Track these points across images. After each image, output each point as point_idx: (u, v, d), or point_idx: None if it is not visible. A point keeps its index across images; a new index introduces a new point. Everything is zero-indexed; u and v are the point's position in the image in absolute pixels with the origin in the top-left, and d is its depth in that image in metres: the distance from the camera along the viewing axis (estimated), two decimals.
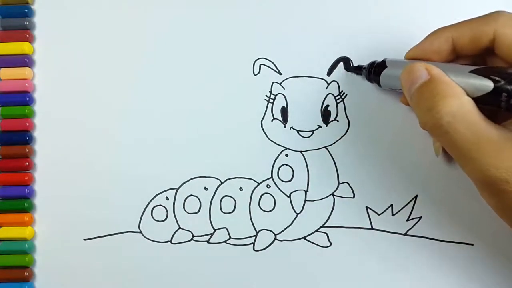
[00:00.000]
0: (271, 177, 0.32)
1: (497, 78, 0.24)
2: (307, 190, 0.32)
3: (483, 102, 0.24)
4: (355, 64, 0.32)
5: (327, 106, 0.32)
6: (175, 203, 0.33)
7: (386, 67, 0.29)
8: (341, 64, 0.32)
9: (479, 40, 0.26)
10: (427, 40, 0.28)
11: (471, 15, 0.27)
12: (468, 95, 0.25)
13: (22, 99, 0.34)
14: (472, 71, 0.25)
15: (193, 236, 0.33)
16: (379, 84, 0.30)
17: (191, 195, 0.33)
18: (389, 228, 0.32)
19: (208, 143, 0.33)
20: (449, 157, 0.31)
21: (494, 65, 0.27)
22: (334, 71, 0.32)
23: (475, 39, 0.26)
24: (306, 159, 0.32)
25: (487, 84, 0.24)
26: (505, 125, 0.25)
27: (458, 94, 0.24)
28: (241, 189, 0.33)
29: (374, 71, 0.30)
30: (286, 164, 0.32)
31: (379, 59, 0.30)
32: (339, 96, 0.32)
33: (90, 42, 0.34)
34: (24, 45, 0.34)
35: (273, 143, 0.33)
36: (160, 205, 0.33)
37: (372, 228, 0.32)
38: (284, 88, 0.33)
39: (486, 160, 0.23)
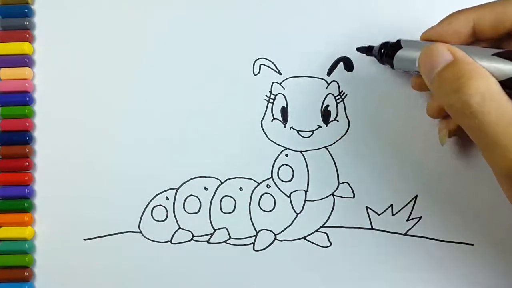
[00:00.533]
0: (271, 177, 0.32)
1: None
2: (307, 190, 0.32)
3: (507, 87, 0.24)
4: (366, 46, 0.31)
5: (327, 106, 0.32)
6: (175, 203, 0.33)
7: (401, 47, 0.28)
8: (341, 64, 0.32)
9: (501, 24, 0.25)
10: (445, 21, 0.27)
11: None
12: None
13: (22, 99, 0.34)
14: (495, 54, 0.24)
15: (193, 236, 0.33)
16: (392, 66, 0.29)
17: (191, 195, 0.33)
18: (389, 228, 0.32)
19: (208, 143, 0.33)
20: (457, 147, 0.31)
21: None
22: (334, 71, 0.32)
23: (497, 22, 0.25)
24: (306, 159, 0.32)
25: (511, 68, 0.23)
26: None
27: (486, 74, 0.23)
28: (241, 189, 0.33)
29: (387, 53, 0.29)
30: (286, 164, 0.32)
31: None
32: (339, 96, 0.32)
33: (90, 42, 0.34)
34: (24, 45, 0.34)
35: (273, 143, 0.33)
36: (160, 205, 0.33)
37: (372, 228, 0.32)
38: (284, 88, 0.33)
39: None
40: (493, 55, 0.24)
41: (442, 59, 0.25)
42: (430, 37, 0.27)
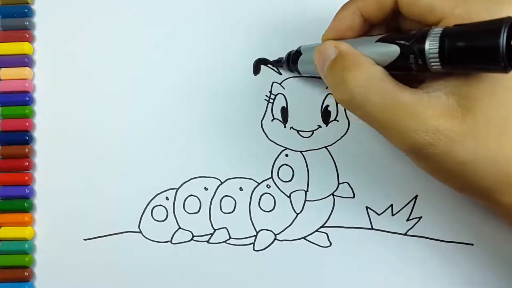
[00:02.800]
0: (271, 177, 0.32)
1: (402, 42, 0.23)
2: (307, 190, 0.32)
3: (394, 69, 0.24)
4: None
5: (327, 106, 0.32)
6: (175, 203, 0.33)
7: (301, 54, 0.29)
8: None
9: (383, 6, 0.26)
10: (337, 17, 0.27)
11: None
12: (379, 65, 0.24)
13: (22, 99, 0.34)
14: (378, 40, 0.25)
15: (193, 236, 0.33)
16: (299, 72, 0.30)
17: (191, 195, 0.33)
18: (389, 228, 0.32)
19: (208, 143, 0.33)
20: None
21: (408, 27, 0.27)
22: None
23: (379, 5, 0.26)
24: (306, 159, 0.32)
25: (394, 50, 0.24)
26: (423, 87, 0.24)
27: (367, 65, 0.24)
28: (241, 189, 0.33)
29: (292, 60, 0.30)
30: (286, 164, 0.32)
31: None
32: None
33: (90, 42, 0.34)
34: (24, 45, 0.34)
35: (273, 143, 0.33)
36: (160, 205, 0.33)
37: (372, 228, 0.32)
38: (284, 88, 0.33)
39: (405, 126, 0.23)
40: (376, 41, 0.25)
41: (329, 55, 0.26)
42: (328, 37, 0.28)
